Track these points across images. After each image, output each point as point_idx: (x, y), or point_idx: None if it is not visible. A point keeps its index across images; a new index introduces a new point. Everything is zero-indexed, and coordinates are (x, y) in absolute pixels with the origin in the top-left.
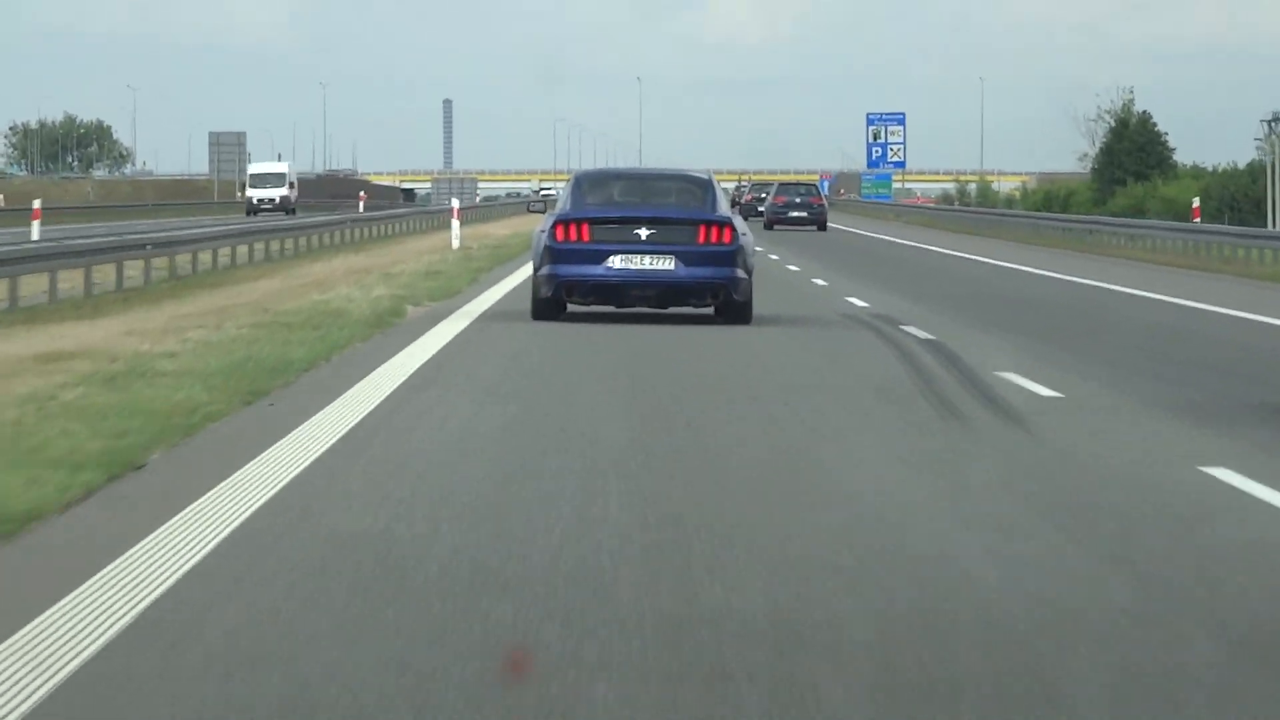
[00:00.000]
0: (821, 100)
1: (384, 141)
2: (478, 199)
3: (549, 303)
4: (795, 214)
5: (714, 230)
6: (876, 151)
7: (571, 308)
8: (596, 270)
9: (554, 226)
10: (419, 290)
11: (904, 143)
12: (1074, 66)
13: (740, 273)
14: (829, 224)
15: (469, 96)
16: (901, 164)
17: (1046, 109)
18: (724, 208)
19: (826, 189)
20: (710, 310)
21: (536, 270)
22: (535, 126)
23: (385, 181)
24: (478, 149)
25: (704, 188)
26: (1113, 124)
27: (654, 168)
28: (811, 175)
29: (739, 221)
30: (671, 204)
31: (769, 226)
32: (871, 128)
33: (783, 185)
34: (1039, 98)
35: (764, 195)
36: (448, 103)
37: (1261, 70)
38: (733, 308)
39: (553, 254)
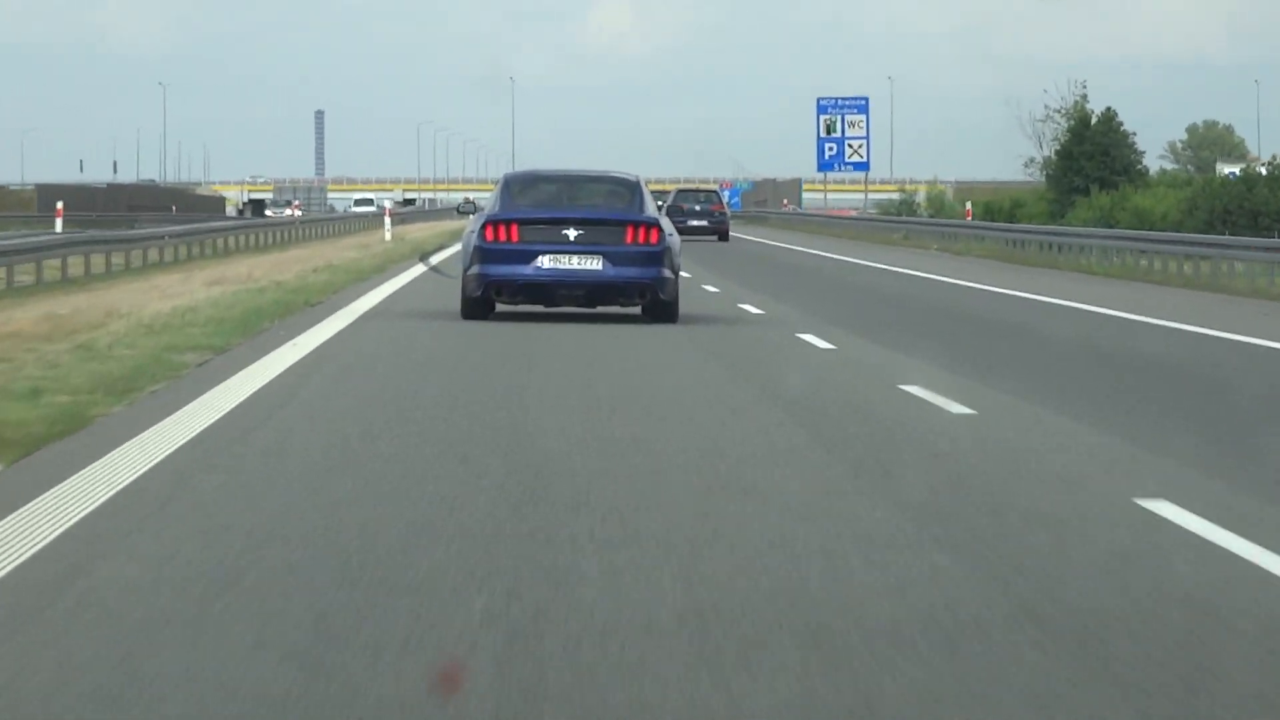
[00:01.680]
0: (710, 108)
1: (256, 149)
2: (290, 211)
3: (478, 302)
4: (695, 222)
5: (641, 231)
6: (830, 149)
7: (500, 307)
8: (525, 270)
9: (483, 227)
10: None
11: (868, 138)
12: (985, 72)
13: (667, 272)
14: (731, 234)
15: (342, 103)
16: (865, 165)
17: (964, 113)
18: (651, 209)
19: (731, 198)
20: (637, 310)
21: (466, 270)
22: (410, 135)
23: (231, 191)
24: (352, 158)
25: (631, 189)
26: (1069, 124)
27: (583, 169)
28: (706, 184)
29: (666, 223)
30: (600, 205)
31: None
32: (824, 118)
33: (681, 191)
34: (954, 102)
35: (660, 204)
36: (320, 113)
37: (1150, 82)
38: (659, 307)
39: (482, 254)
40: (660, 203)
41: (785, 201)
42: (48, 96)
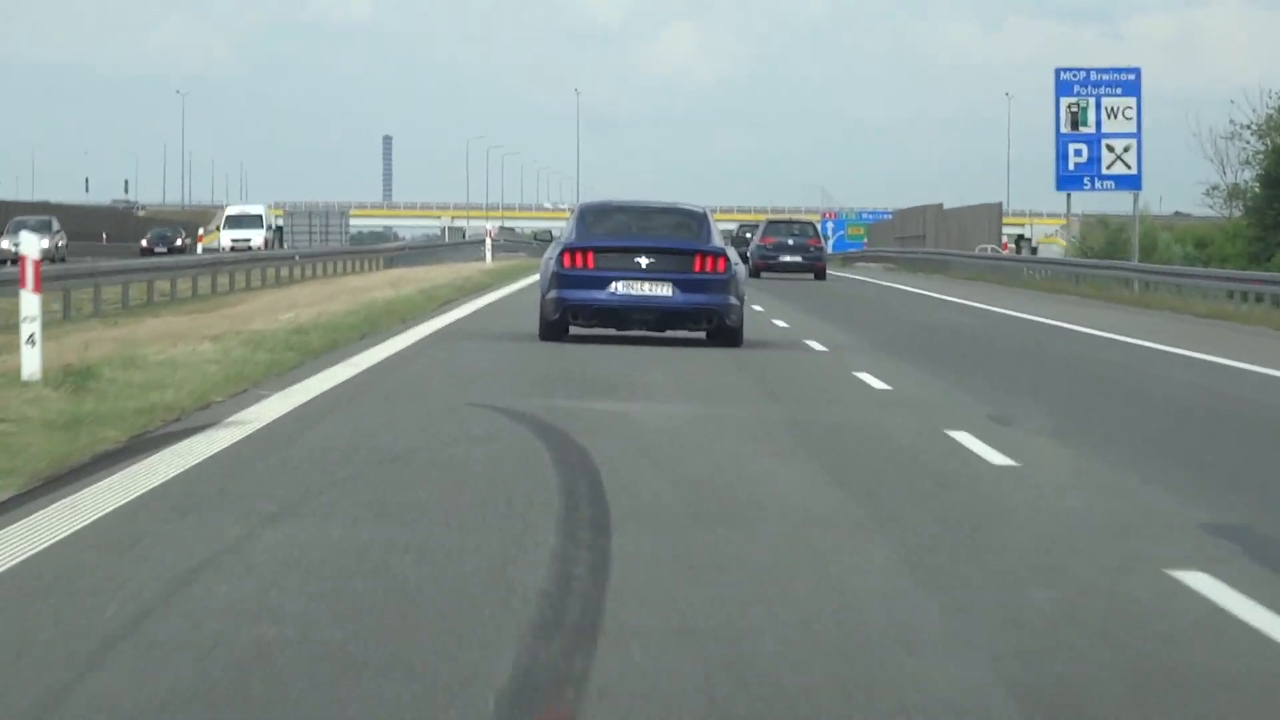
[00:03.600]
0: (791, 137)
1: (329, 175)
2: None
3: (555, 324)
4: (787, 258)
5: (709, 260)
6: (1077, 154)
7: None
8: (600, 295)
9: (561, 254)
10: None
11: (1139, 135)
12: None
13: (733, 299)
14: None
15: (410, 130)
16: (1135, 180)
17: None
18: (718, 239)
19: (834, 231)
20: (703, 334)
21: (544, 294)
22: (477, 160)
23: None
24: (421, 183)
25: (699, 220)
26: (1268, 144)
27: (653, 201)
28: (798, 214)
29: (731, 252)
30: (669, 235)
31: (756, 273)
32: (1067, 101)
33: (772, 223)
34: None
35: (748, 235)
36: (388, 138)
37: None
38: (725, 332)
39: (560, 279)
40: (748, 234)
41: (1005, 242)
42: (106, 117)
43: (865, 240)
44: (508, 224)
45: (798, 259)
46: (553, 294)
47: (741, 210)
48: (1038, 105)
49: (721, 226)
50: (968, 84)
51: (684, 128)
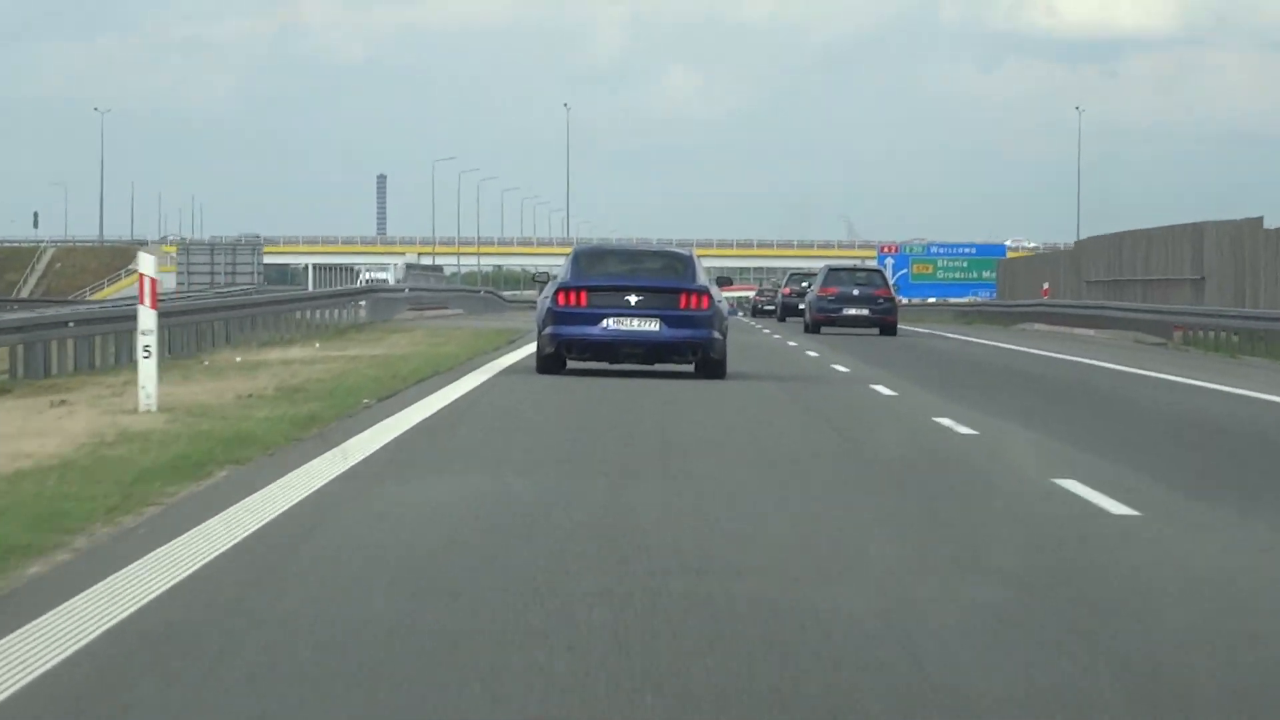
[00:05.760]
0: (803, 170)
1: (318, 212)
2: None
3: (551, 358)
4: (852, 311)
5: (693, 298)
6: None
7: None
8: (593, 331)
9: (556, 293)
10: None
11: None
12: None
13: (716, 334)
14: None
15: (401, 168)
16: None
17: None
18: (702, 278)
19: (895, 271)
20: (690, 367)
21: (541, 330)
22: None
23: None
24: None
25: (684, 262)
26: None
27: (642, 245)
28: (834, 251)
29: (715, 290)
30: (657, 274)
31: (814, 328)
32: None
33: (833, 270)
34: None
35: (807, 286)
36: (381, 177)
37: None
38: (709, 364)
39: (555, 316)
40: (805, 284)
41: None
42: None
43: (1022, 287)
44: (497, 261)
45: (864, 312)
46: (549, 330)
47: (762, 244)
48: (1034, 140)
49: (751, 265)
50: (981, 116)
51: (692, 163)
